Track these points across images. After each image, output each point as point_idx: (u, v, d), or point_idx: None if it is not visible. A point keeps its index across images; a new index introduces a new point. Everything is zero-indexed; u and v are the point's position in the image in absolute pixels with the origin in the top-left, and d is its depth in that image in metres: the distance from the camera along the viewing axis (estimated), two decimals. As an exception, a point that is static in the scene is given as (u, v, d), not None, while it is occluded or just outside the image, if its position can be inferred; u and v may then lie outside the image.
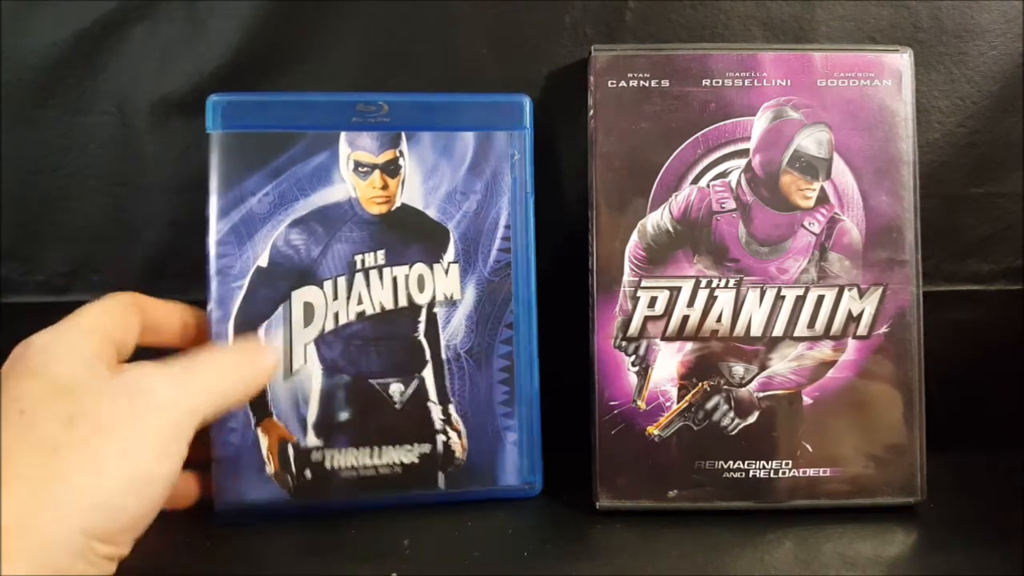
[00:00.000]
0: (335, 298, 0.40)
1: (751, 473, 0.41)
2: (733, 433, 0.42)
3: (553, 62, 0.46)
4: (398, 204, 0.41)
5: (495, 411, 0.42)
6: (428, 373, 0.41)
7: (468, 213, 0.41)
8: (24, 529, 0.25)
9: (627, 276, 0.42)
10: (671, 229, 0.42)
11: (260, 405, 0.40)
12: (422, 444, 0.41)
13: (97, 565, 0.28)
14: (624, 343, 0.42)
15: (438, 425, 0.41)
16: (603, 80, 0.42)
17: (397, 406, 0.41)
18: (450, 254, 0.41)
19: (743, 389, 0.42)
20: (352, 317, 0.40)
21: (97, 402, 0.29)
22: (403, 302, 0.41)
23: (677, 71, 0.42)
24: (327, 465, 0.40)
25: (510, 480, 0.42)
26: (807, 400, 0.42)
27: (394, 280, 0.41)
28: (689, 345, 0.42)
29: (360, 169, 0.40)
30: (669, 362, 0.42)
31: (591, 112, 0.42)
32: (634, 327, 0.42)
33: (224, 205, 0.40)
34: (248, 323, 0.40)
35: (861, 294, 0.42)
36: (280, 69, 0.46)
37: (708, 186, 0.42)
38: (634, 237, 0.42)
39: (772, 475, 0.41)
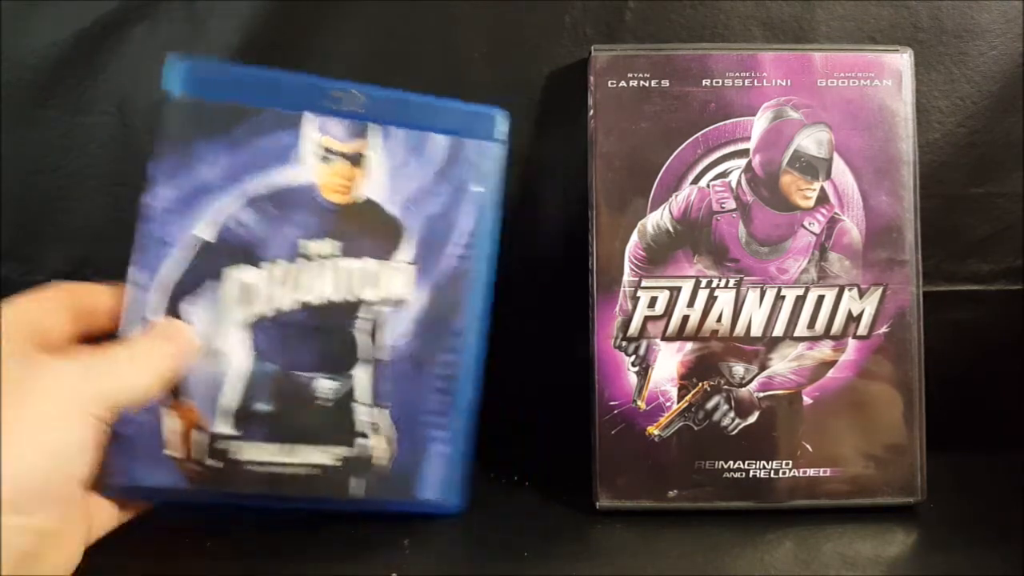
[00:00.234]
0: (276, 282, 0.38)
1: (751, 473, 0.41)
2: (733, 433, 0.42)
3: (553, 62, 0.46)
4: (360, 196, 0.39)
5: (427, 421, 0.39)
6: (362, 372, 0.39)
7: (430, 216, 0.39)
8: None
9: (627, 276, 0.42)
10: (671, 229, 0.42)
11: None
12: (343, 447, 0.38)
13: (14, 535, 0.29)
14: (624, 343, 0.42)
15: (363, 428, 0.39)
16: (603, 80, 0.42)
17: (322, 403, 0.38)
18: (405, 253, 0.39)
19: (743, 389, 0.42)
20: (291, 305, 0.38)
21: None
22: (348, 296, 0.38)
23: (677, 71, 0.42)
24: (235, 456, 0.37)
25: (429, 494, 0.39)
26: (807, 400, 0.42)
27: (343, 272, 0.38)
28: (689, 345, 0.42)
29: (327, 155, 0.38)
30: (669, 362, 0.42)
31: (591, 112, 0.42)
32: (634, 327, 0.42)
33: (171, 169, 0.37)
34: (175, 295, 0.37)
35: (861, 294, 0.42)
36: (280, 69, 0.46)
37: (708, 186, 0.42)
38: (634, 237, 0.42)
39: (772, 475, 0.41)
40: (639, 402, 0.42)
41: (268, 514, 0.39)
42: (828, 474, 0.42)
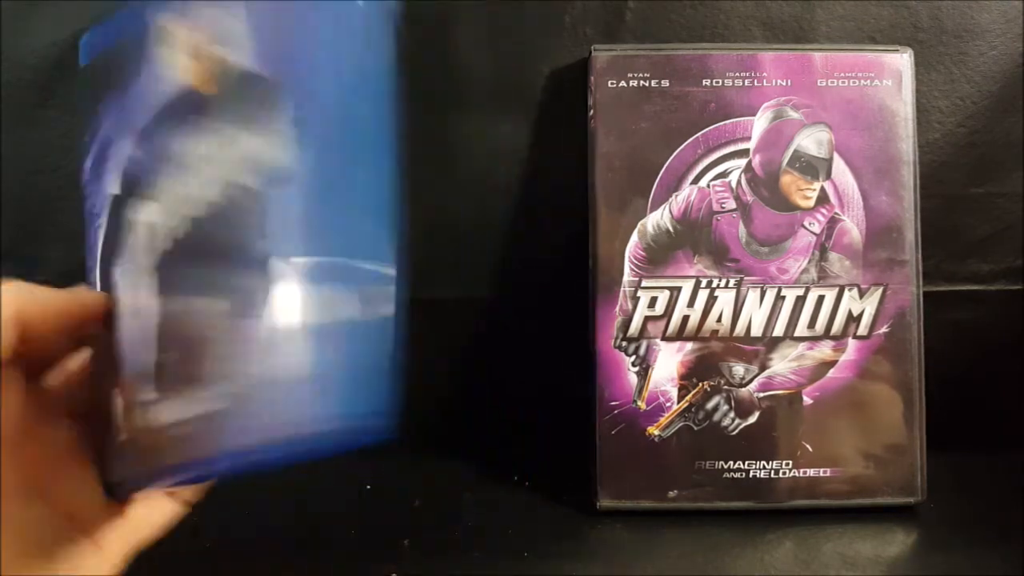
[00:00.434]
0: (171, 207, 0.31)
1: (751, 473, 0.41)
2: (733, 433, 0.42)
3: (553, 62, 0.46)
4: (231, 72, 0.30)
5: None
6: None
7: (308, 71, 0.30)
8: None
9: (627, 276, 0.42)
10: (671, 229, 0.42)
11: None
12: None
13: None
14: (624, 343, 0.42)
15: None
16: (603, 80, 0.42)
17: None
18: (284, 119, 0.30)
19: (743, 389, 0.42)
20: (181, 224, 0.31)
21: None
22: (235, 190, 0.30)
23: (677, 71, 0.42)
24: (157, 423, 0.29)
25: (355, 407, 0.31)
26: (807, 400, 0.42)
27: (224, 164, 0.30)
28: (689, 345, 0.42)
29: (195, 51, 0.31)
30: (669, 362, 0.42)
31: (591, 112, 0.42)
32: (634, 327, 0.42)
33: (89, 141, 0.34)
34: (103, 263, 0.33)
35: (861, 294, 0.42)
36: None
37: (708, 186, 0.42)
38: (634, 237, 0.42)
39: (772, 475, 0.41)
40: (639, 402, 0.42)
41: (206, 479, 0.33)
42: (828, 474, 0.42)
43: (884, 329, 0.42)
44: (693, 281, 0.42)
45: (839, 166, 0.42)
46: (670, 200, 0.42)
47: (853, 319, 0.42)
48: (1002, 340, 0.49)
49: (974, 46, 0.47)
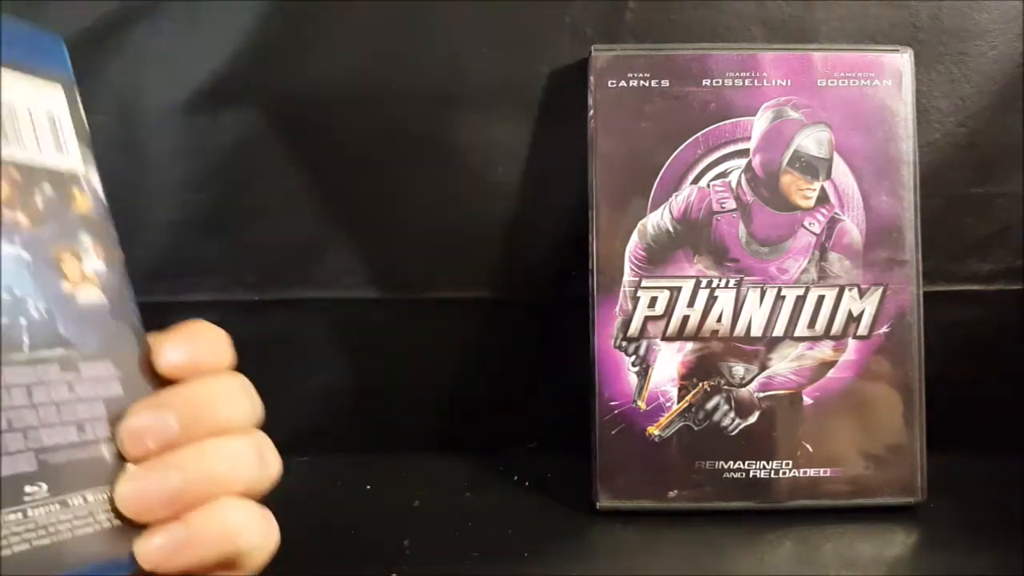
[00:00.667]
0: None
1: (751, 473, 0.41)
2: (733, 433, 0.42)
3: (553, 62, 0.46)
4: None
5: None
6: None
7: None
8: None
9: (627, 276, 0.42)
10: (671, 229, 0.42)
11: None
12: None
13: None
14: (624, 343, 0.42)
15: None
16: (603, 80, 0.42)
17: None
18: None
19: (743, 389, 0.42)
20: None
21: None
22: None
23: (677, 71, 0.42)
24: None
25: None
26: (807, 400, 0.42)
27: None
28: (689, 345, 0.42)
29: None
30: (669, 362, 0.42)
31: (591, 112, 0.42)
32: (634, 327, 0.42)
33: None
34: None
35: (861, 294, 0.42)
36: (280, 69, 0.46)
37: (708, 186, 0.42)
38: (634, 237, 0.42)
39: (772, 475, 0.41)
40: (639, 402, 0.42)
41: None
42: (828, 474, 0.42)
43: (884, 329, 0.42)
44: (693, 281, 0.42)
45: (839, 166, 0.42)
46: (670, 200, 0.42)
47: (853, 319, 0.42)
48: (1002, 340, 0.48)
49: (974, 46, 0.47)
